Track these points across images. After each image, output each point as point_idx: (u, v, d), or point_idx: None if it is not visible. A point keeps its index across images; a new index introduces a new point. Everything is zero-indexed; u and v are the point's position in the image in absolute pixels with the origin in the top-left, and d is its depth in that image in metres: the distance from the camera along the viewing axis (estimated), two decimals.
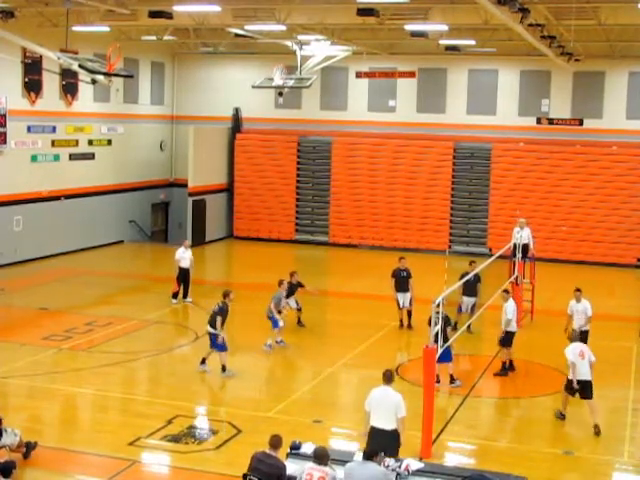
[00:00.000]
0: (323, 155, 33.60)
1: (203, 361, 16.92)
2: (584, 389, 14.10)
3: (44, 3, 22.68)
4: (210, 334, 16.72)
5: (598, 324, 21.86)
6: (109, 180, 31.92)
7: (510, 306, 16.92)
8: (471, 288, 19.58)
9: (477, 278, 19.63)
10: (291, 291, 19.92)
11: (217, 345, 16.60)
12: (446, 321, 15.21)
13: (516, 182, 31.32)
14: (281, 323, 18.48)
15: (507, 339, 16.87)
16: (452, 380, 16.00)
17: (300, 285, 20.42)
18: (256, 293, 22.85)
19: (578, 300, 17.31)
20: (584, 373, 14.05)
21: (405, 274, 20.35)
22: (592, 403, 14.18)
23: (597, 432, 13.85)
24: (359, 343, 19.28)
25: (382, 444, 11.07)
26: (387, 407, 11.24)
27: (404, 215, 32.61)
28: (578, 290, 17.49)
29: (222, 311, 16.65)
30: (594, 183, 30.51)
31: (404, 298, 20.26)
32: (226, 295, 16.92)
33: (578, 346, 14.27)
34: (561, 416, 14.60)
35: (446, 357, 15.26)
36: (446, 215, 32.29)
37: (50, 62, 23.35)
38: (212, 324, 16.65)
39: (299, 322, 20.48)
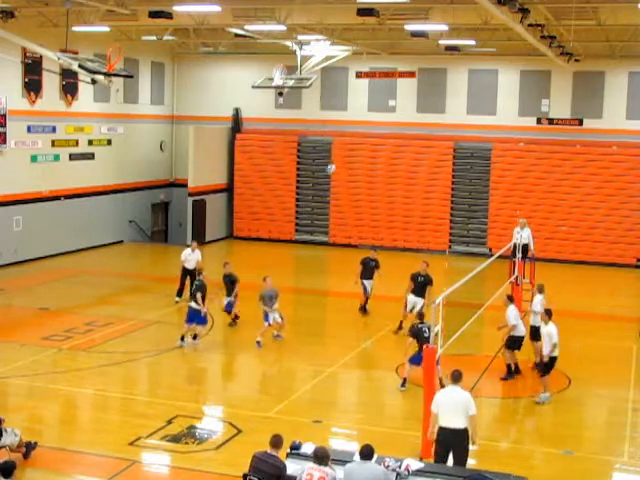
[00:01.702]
0: (323, 155, 33.61)
1: (182, 338, 18.52)
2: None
3: (44, 3, 22.69)
4: (191, 309, 18.49)
5: (598, 324, 22.00)
6: (109, 180, 31.92)
7: (511, 312, 16.58)
8: (420, 289, 19.62)
9: (428, 280, 19.65)
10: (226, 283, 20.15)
11: (199, 319, 18.42)
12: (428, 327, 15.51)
13: (516, 182, 31.33)
14: (270, 320, 18.80)
15: (512, 343, 16.59)
16: (403, 383, 15.93)
17: (231, 278, 20.18)
18: (256, 293, 22.83)
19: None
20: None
21: (373, 264, 21.71)
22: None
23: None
24: (359, 343, 19.29)
25: (452, 444, 11.13)
26: (457, 406, 11.19)
27: (404, 215, 32.60)
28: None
29: (201, 288, 18.47)
30: (594, 183, 30.51)
31: (369, 285, 21.67)
32: (199, 273, 19.22)
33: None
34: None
35: (417, 360, 15.61)
36: (446, 215, 32.29)
37: (50, 62, 23.34)
38: (195, 300, 18.44)
39: (234, 320, 20.49)
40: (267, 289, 18.93)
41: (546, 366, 15.36)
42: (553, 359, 15.41)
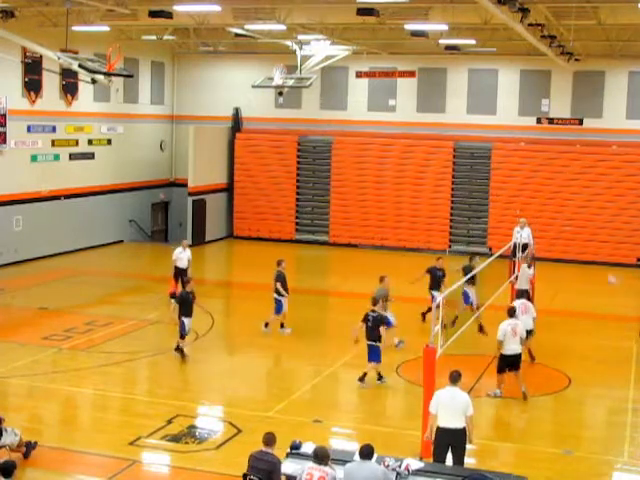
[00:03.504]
0: (323, 155, 33.60)
1: (266, 325, 19.31)
2: (514, 363, 15.33)
3: (44, 3, 22.69)
4: (274, 299, 19.23)
5: (598, 324, 21.99)
6: (109, 180, 31.91)
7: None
8: (473, 278, 19.35)
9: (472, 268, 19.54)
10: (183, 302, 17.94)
11: (278, 309, 19.20)
12: (380, 320, 16.23)
13: (516, 182, 31.30)
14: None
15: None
16: (379, 377, 16.36)
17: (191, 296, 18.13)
18: (256, 293, 22.85)
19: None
20: (514, 348, 15.25)
21: (440, 274, 20.52)
22: (519, 373, 15.43)
23: (525, 397, 15.28)
24: (359, 343, 19.23)
25: (452, 444, 11.26)
26: (456, 407, 11.29)
27: (405, 215, 32.58)
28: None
29: (278, 278, 19.13)
30: (597, 182, 30.43)
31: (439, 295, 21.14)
32: (278, 264, 19.49)
33: (511, 322, 15.30)
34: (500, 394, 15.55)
35: (374, 356, 16.17)
36: (446, 215, 32.27)
37: (50, 62, 23.36)
38: (276, 291, 19.16)
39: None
40: (381, 288, 18.43)
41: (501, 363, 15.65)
42: (504, 358, 15.53)
